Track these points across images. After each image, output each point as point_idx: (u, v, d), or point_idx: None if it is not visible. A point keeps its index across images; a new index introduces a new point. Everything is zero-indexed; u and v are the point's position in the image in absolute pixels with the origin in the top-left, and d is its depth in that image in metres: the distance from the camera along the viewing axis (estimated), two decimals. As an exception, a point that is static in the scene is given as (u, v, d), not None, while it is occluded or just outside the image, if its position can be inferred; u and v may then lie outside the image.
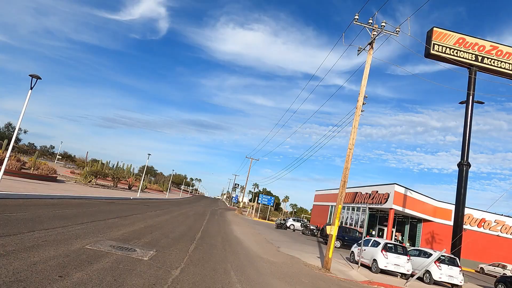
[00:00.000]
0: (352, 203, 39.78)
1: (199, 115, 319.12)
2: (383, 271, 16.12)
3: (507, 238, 37.47)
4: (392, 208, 31.75)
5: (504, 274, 29.63)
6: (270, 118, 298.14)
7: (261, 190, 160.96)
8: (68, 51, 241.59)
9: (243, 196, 69.58)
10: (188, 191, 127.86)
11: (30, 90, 14.25)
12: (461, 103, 22.43)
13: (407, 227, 37.21)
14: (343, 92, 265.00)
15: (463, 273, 17.43)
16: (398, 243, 18.12)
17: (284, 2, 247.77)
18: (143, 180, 70.78)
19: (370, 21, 14.81)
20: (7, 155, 14.59)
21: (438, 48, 21.65)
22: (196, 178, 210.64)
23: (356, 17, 14.80)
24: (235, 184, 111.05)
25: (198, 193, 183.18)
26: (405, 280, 15.17)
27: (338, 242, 26.38)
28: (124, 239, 10.38)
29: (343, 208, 42.79)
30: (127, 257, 8.03)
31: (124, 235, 11.21)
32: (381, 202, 33.19)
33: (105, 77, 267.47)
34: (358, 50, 15.62)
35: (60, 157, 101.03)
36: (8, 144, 26.71)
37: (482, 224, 37.22)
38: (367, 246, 17.35)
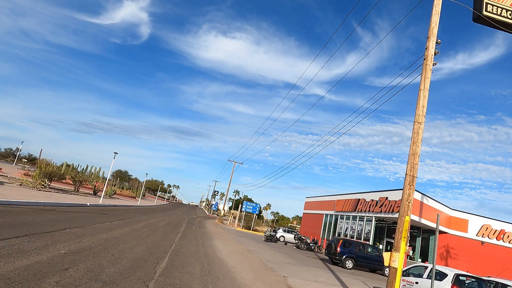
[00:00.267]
0: (354, 211, 34.27)
1: (179, 122, 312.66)
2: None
3: (529, 252, 32.76)
4: (408, 218, 26.33)
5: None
6: (250, 126, 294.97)
7: (242, 198, 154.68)
8: (45, 54, 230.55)
9: (225, 204, 63.20)
10: (164, 198, 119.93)
11: None
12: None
13: (418, 240, 31.95)
14: (322, 102, 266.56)
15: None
16: (472, 275, 12.52)
17: (266, 12, 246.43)
18: (111, 185, 63.38)
19: None
20: None
21: (493, 9, 16.38)
22: (174, 185, 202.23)
23: None
24: (215, 191, 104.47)
25: (176, 200, 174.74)
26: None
27: (349, 261, 20.67)
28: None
29: (341, 218, 37.25)
30: None
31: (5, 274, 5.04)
32: (392, 211, 27.78)
33: (83, 81, 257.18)
34: None
35: (26, 160, 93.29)
36: None
37: (502, 237, 32.42)
38: (422, 277, 11.65)
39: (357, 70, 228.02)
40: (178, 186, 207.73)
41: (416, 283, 11.62)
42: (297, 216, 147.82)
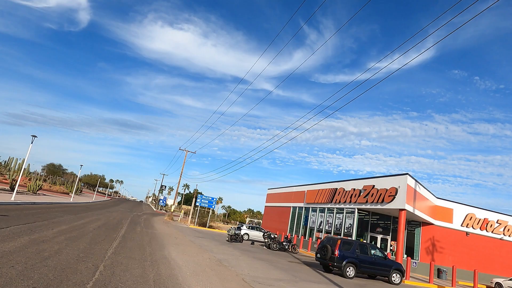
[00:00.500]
0: (330, 202, 29.75)
1: (123, 115, 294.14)
2: None
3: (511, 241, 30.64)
4: (403, 209, 22.18)
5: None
6: (198, 120, 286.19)
7: (193, 192, 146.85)
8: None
9: (175, 198, 56.23)
10: (105, 194, 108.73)
11: None
12: None
13: (404, 233, 28.17)
14: (270, 97, 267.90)
15: None
16: None
17: (214, 4, 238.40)
18: (37, 179, 53.51)
19: None
20: None
21: None
22: (117, 180, 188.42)
23: None
24: (162, 185, 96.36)
25: (119, 196, 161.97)
26: None
27: (351, 268, 15.72)
28: None
29: (313, 210, 32.65)
30: None
31: None
32: (382, 201, 23.48)
33: (11, 69, 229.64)
34: None
35: None
36: None
37: (485, 226, 29.85)
38: None
39: (304, 67, 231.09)
40: (121, 181, 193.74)
41: None
42: (250, 209, 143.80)
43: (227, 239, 27.27)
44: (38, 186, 42.02)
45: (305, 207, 34.15)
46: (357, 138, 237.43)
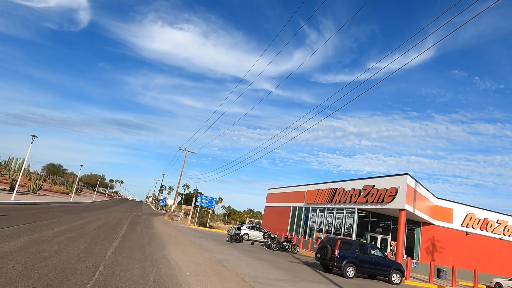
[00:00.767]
0: (330, 202, 29.75)
1: (123, 115, 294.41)
2: None
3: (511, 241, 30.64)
4: (403, 209, 22.18)
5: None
6: (198, 120, 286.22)
7: (193, 192, 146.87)
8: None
9: (175, 198, 56.24)
10: (105, 194, 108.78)
11: None
12: None
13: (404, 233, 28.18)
14: (270, 97, 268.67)
15: None
16: None
17: (214, 5, 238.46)
18: (37, 179, 53.57)
19: None
20: None
21: None
22: (117, 180, 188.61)
23: None
24: (162, 185, 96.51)
25: (119, 196, 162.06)
26: None
27: (351, 268, 15.73)
28: None
29: (313, 210, 32.66)
30: None
31: None
32: (382, 201, 23.48)
33: (12, 69, 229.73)
34: None
35: None
36: None
37: (485, 226, 29.85)
38: None
39: (304, 67, 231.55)
40: (121, 181, 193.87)
41: None
42: (250, 209, 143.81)
43: (227, 239, 27.27)
44: (38, 186, 42.03)
45: (305, 207, 34.16)
46: (357, 138, 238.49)
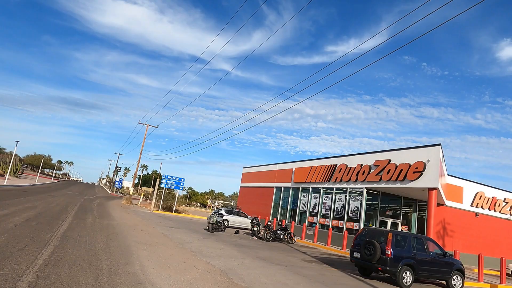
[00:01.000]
0: (327, 182, 25.14)
1: (72, 93, 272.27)
2: None
3: (517, 222, 28.02)
4: (434, 188, 17.94)
5: None
6: (154, 100, 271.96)
7: (149, 173, 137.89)
8: None
9: (134, 178, 49.27)
10: (52, 176, 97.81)
11: None
12: None
13: (414, 217, 24.30)
14: (229, 77, 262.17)
15: None
16: None
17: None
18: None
19: None
20: None
21: None
22: (66, 161, 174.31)
23: None
24: (118, 166, 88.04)
25: (69, 178, 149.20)
26: None
27: (407, 271, 11.00)
28: None
29: (304, 191, 27.95)
30: None
31: None
32: (404, 179, 19.06)
33: None
34: None
35: None
36: None
37: (494, 206, 26.88)
38: None
39: (263, 48, 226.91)
40: (71, 162, 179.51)
41: None
42: (211, 190, 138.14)
43: (206, 228, 21.87)
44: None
45: (293, 188, 29.38)
46: (314, 120, 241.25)
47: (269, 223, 21.00)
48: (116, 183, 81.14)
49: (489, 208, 26.67)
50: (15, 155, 46.29)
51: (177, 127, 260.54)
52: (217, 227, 21.35)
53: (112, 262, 8.02)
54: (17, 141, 39.64)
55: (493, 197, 26.93)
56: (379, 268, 10.91)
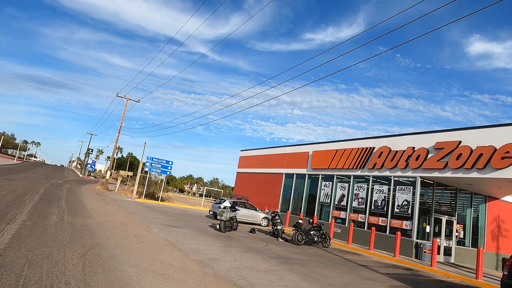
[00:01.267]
0: (361, 168, 20.34)
1: (39, 70, 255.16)
2: None
3: None
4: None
5: None
6: (128, 80, 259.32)
7: (124, 156, 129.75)
8: None
9: (112, 162, 43.00)
10: (15, 157, 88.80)
11: None
12: None
13: (468, 213, 19.91)
14: (206, 61, 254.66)
15: None
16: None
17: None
18: None
19: None
20: None
21: None
22: (33, 142, 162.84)
23: None
24: (89, 148, 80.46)
25: (35, 160, 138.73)
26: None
27: None
28: None
29: (326, 179, 23.10)
30: None
31: None
32: (485, 166, 14.42)
33: None
34: None
35: None
36: None
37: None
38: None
39: (241, 33, 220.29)
40: (38, 143, 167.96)
41: None
42: (190, 175, 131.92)
43: (214, 225, 16.65)
44: None
45: (309, 175, 24.46)
46: (290, 107, 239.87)
47: (300, 220, 16.02)
48: (89, 165, 73.88)
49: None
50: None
51: (151, 109, 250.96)
52: (230, 225, 16.16)
53: None
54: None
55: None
56: None
